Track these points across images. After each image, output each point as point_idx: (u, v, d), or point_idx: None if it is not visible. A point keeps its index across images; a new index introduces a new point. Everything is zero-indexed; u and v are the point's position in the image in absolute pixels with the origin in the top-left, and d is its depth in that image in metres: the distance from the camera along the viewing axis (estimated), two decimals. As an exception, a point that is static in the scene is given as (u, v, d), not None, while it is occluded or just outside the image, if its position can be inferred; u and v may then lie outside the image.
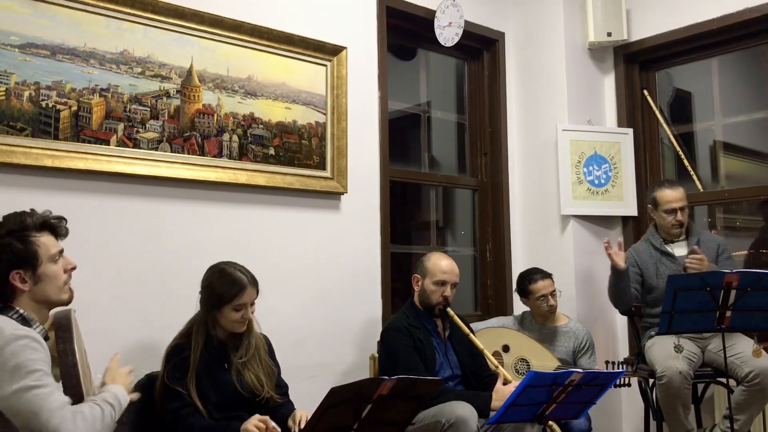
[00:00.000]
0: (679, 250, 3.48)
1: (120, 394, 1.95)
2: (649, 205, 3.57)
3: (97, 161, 2.65)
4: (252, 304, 2.50)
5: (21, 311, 1.85)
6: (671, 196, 3.46)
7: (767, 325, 3.00)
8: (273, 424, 2.27)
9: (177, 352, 2.39)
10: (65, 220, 1.98)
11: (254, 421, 2.25)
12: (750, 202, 4.08)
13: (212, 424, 2.33)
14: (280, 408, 2.53)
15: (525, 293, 3.54)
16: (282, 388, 2.60)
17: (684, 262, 3.36)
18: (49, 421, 1.69)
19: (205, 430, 2.31)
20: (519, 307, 4.01)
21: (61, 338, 1.90)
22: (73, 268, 1.97)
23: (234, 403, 2.41)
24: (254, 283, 2.49)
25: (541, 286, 3.48)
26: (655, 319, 3.31)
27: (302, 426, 2.35)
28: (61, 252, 1.94)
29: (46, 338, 1.85)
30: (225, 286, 2.43)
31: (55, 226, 1.95)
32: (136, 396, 2.06)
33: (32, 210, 1.94)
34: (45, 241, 1.90)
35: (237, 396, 2.42)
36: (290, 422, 2.44)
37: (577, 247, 4.05)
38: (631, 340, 4.09)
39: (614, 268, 3.43)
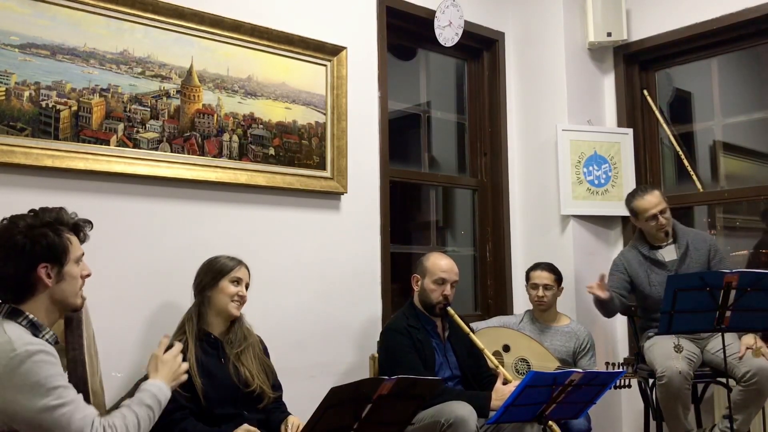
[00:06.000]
0: (668, 255, 3.46)
1: (159, 390, 1.93)
2: (631, 216, 3.55)
3: (97, 161, 2.65)
4: (246, 288, 2.56)
5: (31, 316, 1.77)
6: (648, 203, 3.41)
7: (767, 325, 3.00)
8: None
9: None
10: (91, 225, 1.96)
11: None
12: (750, 202, 4.08)
13: (205, 429, 2.32)
14: (274, 411, 2.54)
15: (526, 279, 3.64)
16: (277, 389, 2.60)
17: (673, 267, 3.37)
18: None
19: None
20: (519, 307, 4.02)
21: (71, 344, 1.88)
22: (88, 275, 1.93)
23: (234, 398, 2.42)
24: (247, 266, 2.60)
25: (537, 275, 3.54)
26: (653, 321, 3.31)
27: None
28: (82, 256, 1.92)
29: (56, 342, 1.81)
30: (220, 263, 2.55)
31: (82, 231, 1.93)
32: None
33: (64, 209, 1.92)
34: (74, 241, 1.88)
35: (236, 391, 2.43)
36: (283, 428, 2.46)
37: (577, 247, 4.05)
38: (630, 340, 4.09)
39: (596, 299, 3.39)
